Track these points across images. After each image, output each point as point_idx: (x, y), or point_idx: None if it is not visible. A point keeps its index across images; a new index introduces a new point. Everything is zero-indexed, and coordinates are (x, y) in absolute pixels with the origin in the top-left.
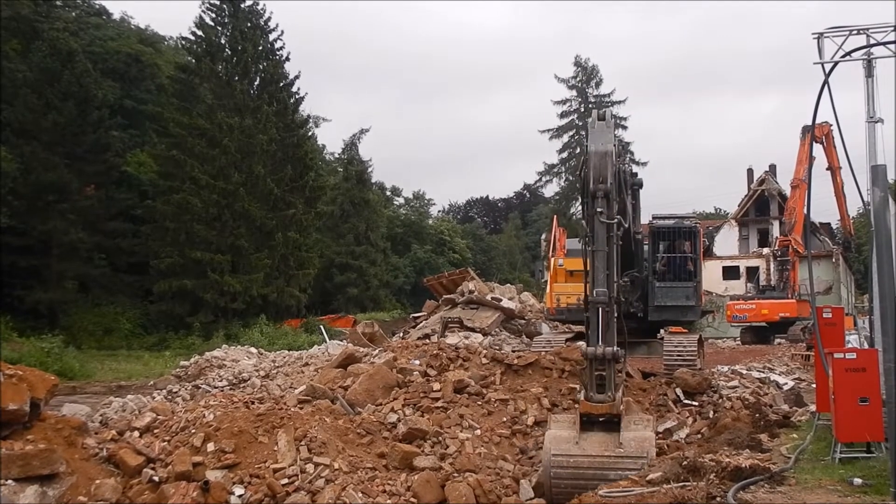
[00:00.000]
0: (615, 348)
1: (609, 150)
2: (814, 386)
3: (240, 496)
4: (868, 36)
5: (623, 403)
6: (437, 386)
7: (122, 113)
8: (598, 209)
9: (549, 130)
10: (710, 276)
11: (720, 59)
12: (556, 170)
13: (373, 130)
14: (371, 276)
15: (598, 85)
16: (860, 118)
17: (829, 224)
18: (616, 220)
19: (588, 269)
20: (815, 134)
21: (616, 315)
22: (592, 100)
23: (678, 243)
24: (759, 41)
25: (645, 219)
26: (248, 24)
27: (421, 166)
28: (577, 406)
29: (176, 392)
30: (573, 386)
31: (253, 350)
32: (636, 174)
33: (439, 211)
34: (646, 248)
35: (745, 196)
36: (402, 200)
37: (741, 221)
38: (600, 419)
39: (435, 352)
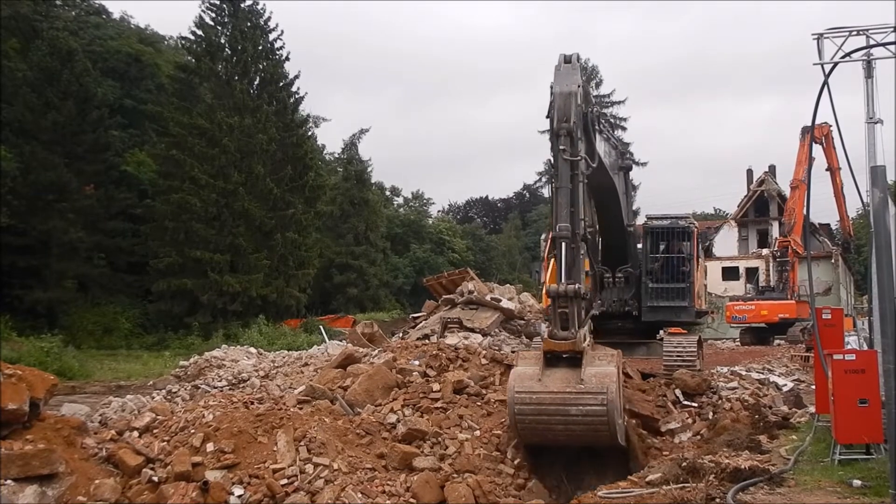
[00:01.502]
0: (578, 286)
1: (573, 90)
2: (813, 387)
3: (239, 496)
4: (868, 37)
5: (587, 340)
6: (436, 387)
7: (121, 112)
8: (561, 147)
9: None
10: (710, 276)
11: (720, 60)
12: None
13: (373, 131)
14: (371, 276)
15: (598, 85)
16: (860, 119)
17: (828, 225)
18: (580, 158)
19: (552, 207)
20: (814, 135)
21: (583, 253)
22: (592, 100)
23: (673, 244)
24: (760, 43)
25: (642, 219)
26: (248, 24)
27: (421, 166)
28: None
29: (175, 392)
30: None
31: (252, 350)
32: (625, 153)
33: (439, 211)
34: (640, 247)
35: (745, 197)
36: (401, 200)
37: (741, 222)
38: (564, 356)
39: (434, 352)
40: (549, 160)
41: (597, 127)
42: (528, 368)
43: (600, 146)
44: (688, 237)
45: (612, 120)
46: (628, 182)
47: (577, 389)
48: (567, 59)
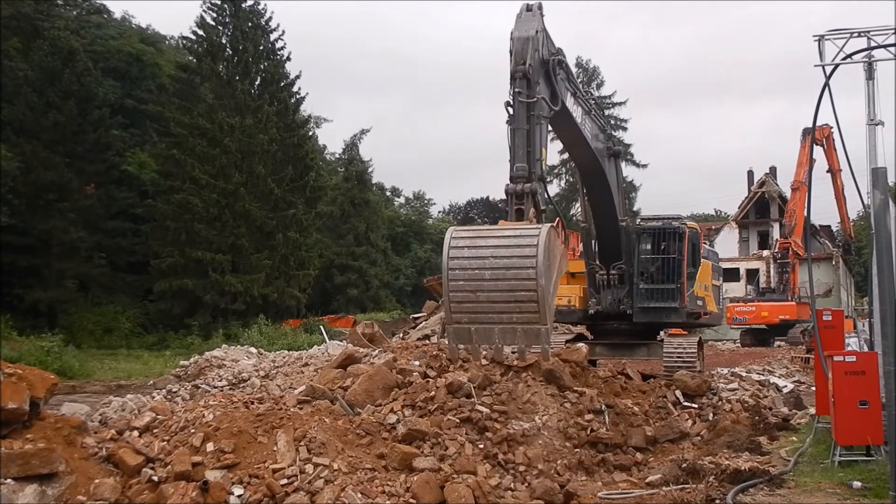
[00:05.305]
0: (534, 184)
1: (531, 35)
2: (813, 389)
3: (239, 496)
4: (869, 38)
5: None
6: (431, 392)
7: (122, 112)
8: (517, 90)
9: (549, 132)
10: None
11: (723, 66)
12: (556, 171)
13: (377, 133)
14: (371, 276)
15: (599, 87)
16: (861, 122)
17: (829, 227)
18: (535, 100)
19: (510, 149)
20: (815, 136)
21: (540, 192)
22: (593, 101)
23: (665, 245)
24: (762, 48)
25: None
26: (249, 24)
27: (424, 168)
28: None
29: (175, 392)
30: (574, 389)
31: (253, 350)
32: (611, 136)
33: (440, 211)
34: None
35: (746, 198)
36: (402, 200)
37: (741, 224)
38: None
39: (435, 353)
40: (507, 101)
41: (561, 75)
42: None
43: (585, 122)
44: (679, 238)
45: (612, 121)
46: (619, 170)
47: (515, 229)
48: (528, 8)
